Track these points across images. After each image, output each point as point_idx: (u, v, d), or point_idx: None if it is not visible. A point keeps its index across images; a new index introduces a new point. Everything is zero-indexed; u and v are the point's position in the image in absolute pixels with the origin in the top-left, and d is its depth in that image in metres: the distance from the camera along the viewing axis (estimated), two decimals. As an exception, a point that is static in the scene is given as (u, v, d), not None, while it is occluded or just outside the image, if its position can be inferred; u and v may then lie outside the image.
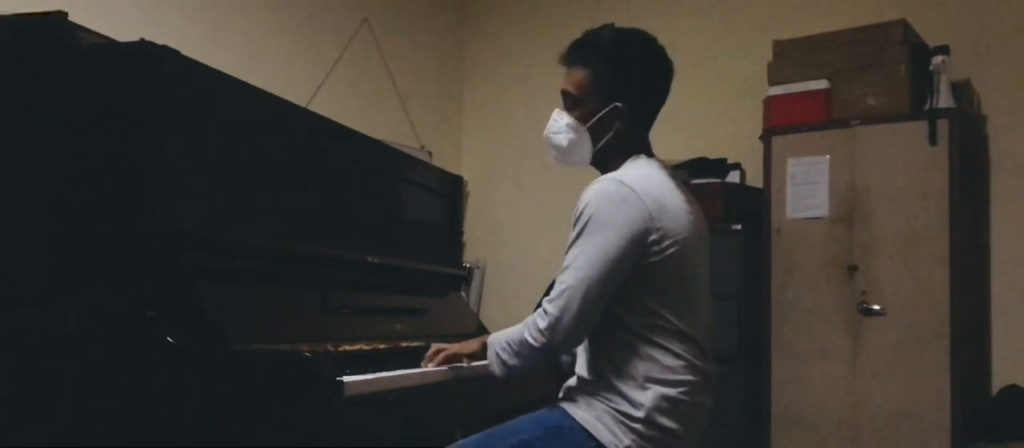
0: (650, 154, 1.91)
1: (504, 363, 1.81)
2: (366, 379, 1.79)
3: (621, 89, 1.84)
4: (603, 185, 1.78)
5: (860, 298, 3.39)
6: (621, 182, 1.77)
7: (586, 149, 1.88)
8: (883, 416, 3.32)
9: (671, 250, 1.76)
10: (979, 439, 3.28)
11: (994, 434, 3.30)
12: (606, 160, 1.89)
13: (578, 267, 1.73)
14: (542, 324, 1.74)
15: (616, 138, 1.86)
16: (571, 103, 1.88)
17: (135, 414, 1.75)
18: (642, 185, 1.77)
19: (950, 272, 3.23)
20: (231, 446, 1.68)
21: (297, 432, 1.65)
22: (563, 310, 1.72)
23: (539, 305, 1.80)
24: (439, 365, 1.99)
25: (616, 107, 1.84)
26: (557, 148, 1.90)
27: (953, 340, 3.21)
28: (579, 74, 1.87)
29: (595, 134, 1.87)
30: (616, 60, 1.84)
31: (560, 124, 1.88)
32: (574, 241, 1.77)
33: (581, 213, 1.77)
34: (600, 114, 1.85)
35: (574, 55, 1.89)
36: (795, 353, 3.52)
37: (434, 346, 2.02)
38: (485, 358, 1.88)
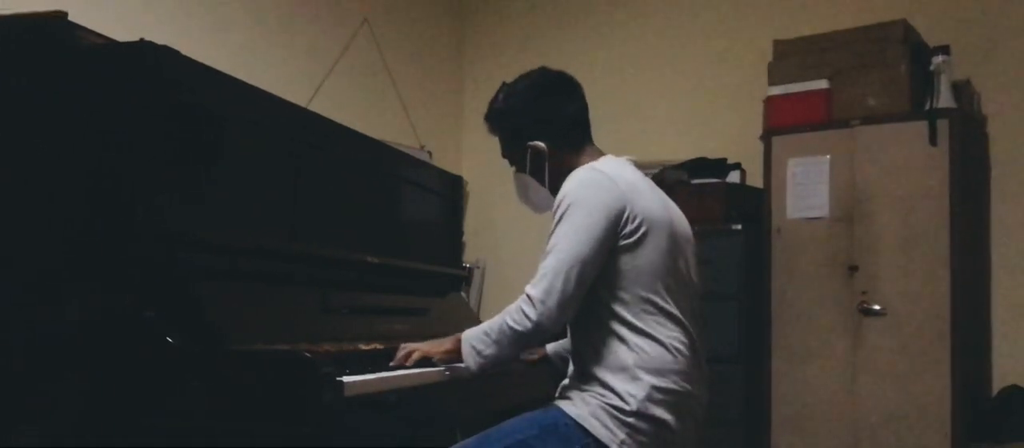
0: (611, 154, 1.99)
1: (479, 353, 1.84)
2: (366, 379, 1.79)
3: (527, 131, 2.00)
4: (578, 174, 1.88)
5: (860, 298, 3.39)
6: (593, 169, 1.87)
7: (540, 190, 2.02)
8: (883, 416, 3.32)
9: (647, 230, 1.82)
10: (979, 439, 3.28)
11: (994, 434, 3.29)
12: (560, 183, 1.95)
13: (559, 249, 1.78)
14: (526, 308, 1.78)
15: (554, 166, 1.98)
16: (509, 163, 2.07)
17: (135, 414, 1.75)
18: (614, 171, 1.87)
19: (950, 272, 3.23)
20: (231, 446, 1.68)
21: (297, 432, 1.65)
22: (547, 292, 1.76)
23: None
24: (412, 366, 1.96)
25: (529, 146, 1.99)
26: (528, 204, 2.08)
27: (953, 340, 3.21)
28: (498, 138, 2.07)
29: (536, 174, 2.01)
30: (507, 115, 2.04)
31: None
32: (554, 228, 1.83)
33: (560, 203, 1.84)
34: (525, 159, 2.01)
35: (488, 126, 2.09)
36: (795, 353, 3.52)
37: (404, 346, 1.98)
38: (459, 357, 1.88)
